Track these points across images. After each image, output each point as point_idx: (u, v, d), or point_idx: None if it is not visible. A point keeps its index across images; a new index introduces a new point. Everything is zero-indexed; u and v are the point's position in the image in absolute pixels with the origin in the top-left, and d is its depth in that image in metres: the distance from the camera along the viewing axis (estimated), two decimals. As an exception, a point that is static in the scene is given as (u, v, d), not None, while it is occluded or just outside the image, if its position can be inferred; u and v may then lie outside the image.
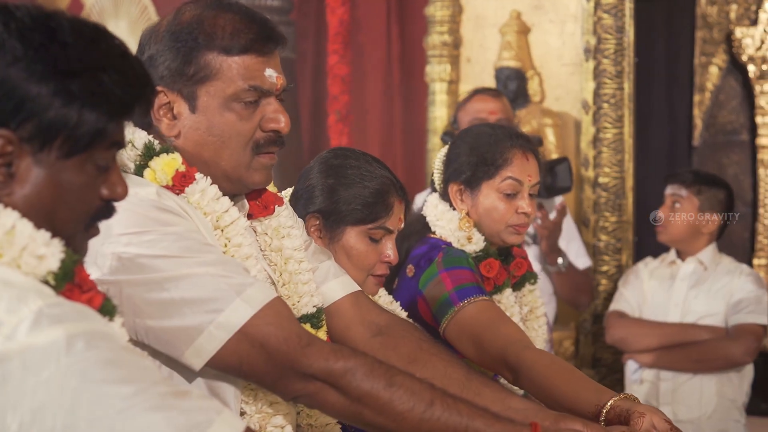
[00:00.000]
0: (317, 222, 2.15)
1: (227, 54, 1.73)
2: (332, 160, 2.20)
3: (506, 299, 2.47)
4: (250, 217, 1.86)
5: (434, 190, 2.57)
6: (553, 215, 3.79)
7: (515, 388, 2.15)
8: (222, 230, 1.75)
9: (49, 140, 1.23)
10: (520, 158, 2.45)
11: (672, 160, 4.91)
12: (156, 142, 1.74)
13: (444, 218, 2.48)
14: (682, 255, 3.95)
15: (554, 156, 4.39)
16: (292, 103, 5.39)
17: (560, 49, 4.68)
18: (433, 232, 2.49)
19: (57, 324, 1.13)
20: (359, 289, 2.02)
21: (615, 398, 1.90)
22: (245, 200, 1.86)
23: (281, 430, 1.77)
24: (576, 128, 4.62)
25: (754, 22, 4.68)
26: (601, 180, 4.51)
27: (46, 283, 1.21)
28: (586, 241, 4.38)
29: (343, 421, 1.89)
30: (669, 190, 3.93)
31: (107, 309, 1.29)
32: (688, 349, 3.78)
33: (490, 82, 4.63)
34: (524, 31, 4.69)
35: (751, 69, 4.67)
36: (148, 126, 1.76)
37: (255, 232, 1.87)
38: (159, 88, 1.72)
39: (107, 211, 1.33)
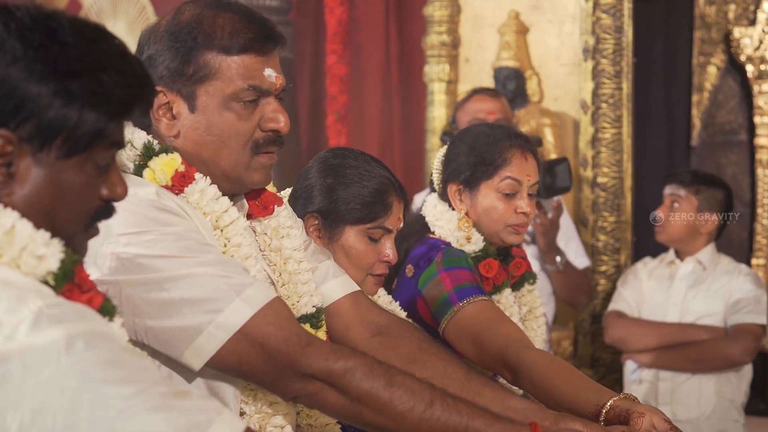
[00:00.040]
0: (316, 222, 2.15)
1: (226, 54, 1.73)
2: (331, 159, 2.20)
3: (505, 299, 2.47)
4: (249, 217, 1.86)
5: (433, 190, 2.56)
6: (549, 215, 3.79)
7: (515, 388, 2.15)
8: (221, 230, 1.75)
9: (49, 140, 1.23)
10: (519, 158, 2.45)
11: (670, 160, 4.91)
12: (155, 142, 1.74)
13: (443, 218, 2.48)
14: (680, 255, 3.95)
15: (553, 156, 4.39)
16: (291, 103, 5.39)
17: (559, 49, 4.68)
18: (432, 232, 2.49)
19: (57, 324, 1.13)
20: (359, 289, 2.02)
21: (615, 398, 1.90)
22: (244, 200, 1.86)
23: (281, 430, 1.76)
24: (574, 128, 4.62)
25: (753, 22, 4.68)
26: (600, 180, 4.50)
27: (46, 283, 1.21)
28: (585, 241, 4.37)
29: (342, 421, 1.88)
30: (668, 190, 3.92)
31: (107, 309, 1.29)
32: (687, 349, 3.78)
33: (489, 82, 4.63)
34: (523, 31, 4.69)
35: (750, 69, 4.67)
36: (147, 126, 1.76)
37: (254, 232, 1.87)
38: (158, 88, 1.72)
39: (107, 211, 1.33)
